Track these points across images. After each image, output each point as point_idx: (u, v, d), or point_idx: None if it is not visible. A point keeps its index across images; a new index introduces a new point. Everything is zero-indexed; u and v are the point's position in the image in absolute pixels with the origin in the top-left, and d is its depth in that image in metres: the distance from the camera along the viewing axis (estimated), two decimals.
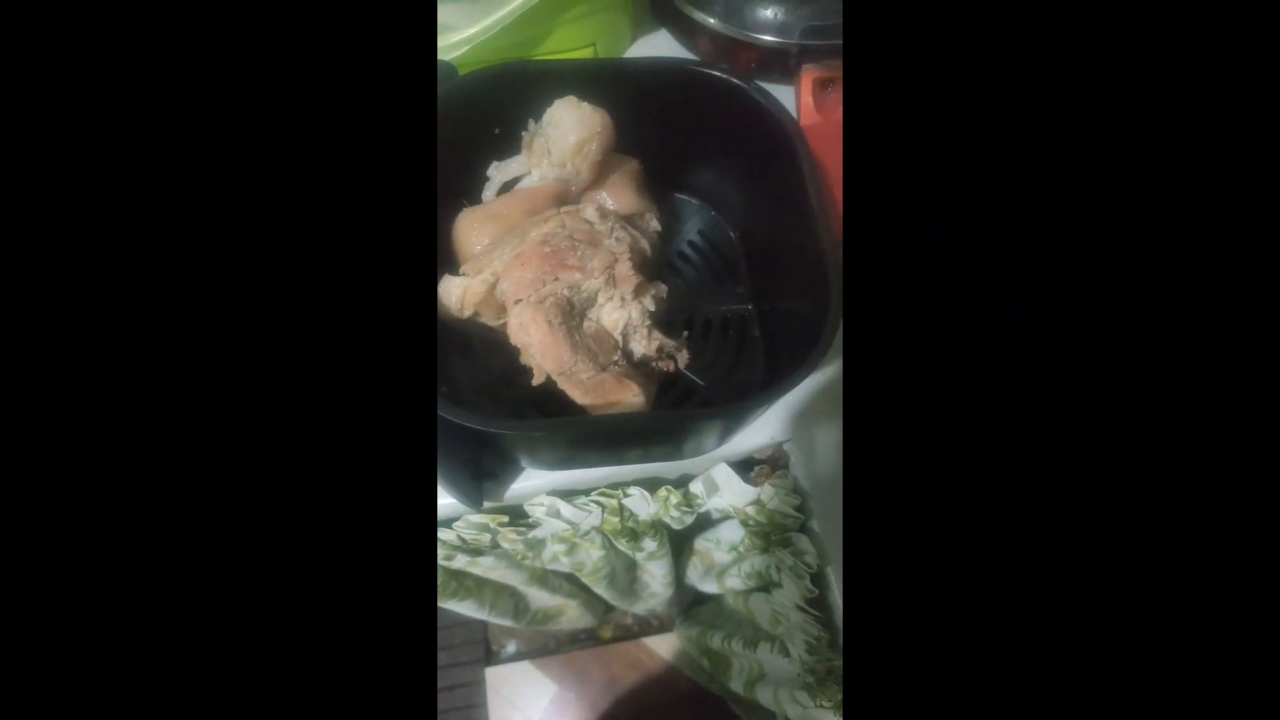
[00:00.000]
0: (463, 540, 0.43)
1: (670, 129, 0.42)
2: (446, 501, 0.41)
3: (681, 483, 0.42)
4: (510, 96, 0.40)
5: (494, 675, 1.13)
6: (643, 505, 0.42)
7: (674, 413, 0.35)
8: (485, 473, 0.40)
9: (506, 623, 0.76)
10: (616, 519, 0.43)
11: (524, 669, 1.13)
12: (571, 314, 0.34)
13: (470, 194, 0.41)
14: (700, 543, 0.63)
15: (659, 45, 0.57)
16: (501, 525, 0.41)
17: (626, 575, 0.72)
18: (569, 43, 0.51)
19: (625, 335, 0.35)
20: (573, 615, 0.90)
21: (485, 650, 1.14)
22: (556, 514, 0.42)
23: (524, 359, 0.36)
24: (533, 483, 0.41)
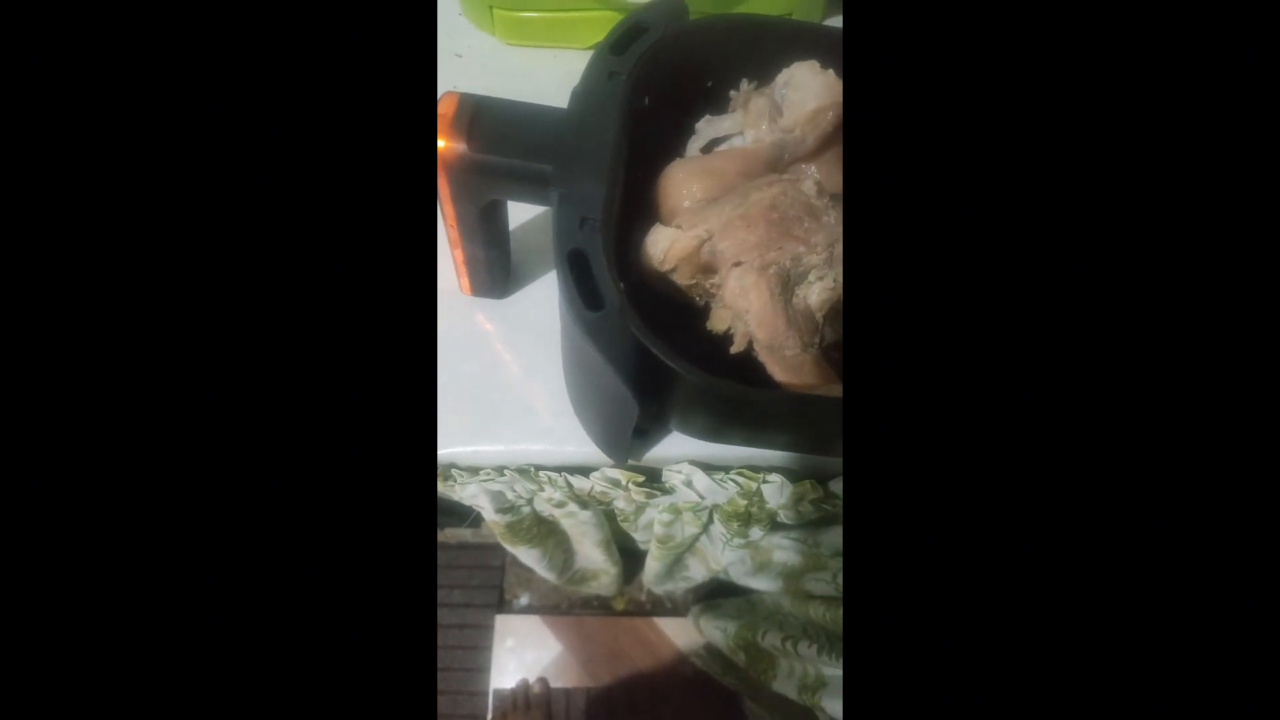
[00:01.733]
0: (591, 491, 0.42)
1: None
2: (588, 449, 0.40)
3: (822, 479, 0.41)
4: (735, 49, 0.38)
5: (503, 623, 1.14)
6: (776, 494, 0.41)
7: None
8: (637, 430, 0.39)
9: (551, 576, 0.77)
10: (745, 501, 0.42)
11: (533, 623, 1.14)
12: (786, 287, 0.33)
13: (677, 146, 0.40)
14: (767, 539, 0.63)
15: None
16: (635, 484, 0.41)
17: (680, 556, 0.71)
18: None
19: (826, 319, 0.34)
20: (604, 582, 0.90)
21: (499, 597, 1.16)
22: (690, 484, 0.41)
23: (713, 323, 0.35)
24: (672, 450, 0.41)
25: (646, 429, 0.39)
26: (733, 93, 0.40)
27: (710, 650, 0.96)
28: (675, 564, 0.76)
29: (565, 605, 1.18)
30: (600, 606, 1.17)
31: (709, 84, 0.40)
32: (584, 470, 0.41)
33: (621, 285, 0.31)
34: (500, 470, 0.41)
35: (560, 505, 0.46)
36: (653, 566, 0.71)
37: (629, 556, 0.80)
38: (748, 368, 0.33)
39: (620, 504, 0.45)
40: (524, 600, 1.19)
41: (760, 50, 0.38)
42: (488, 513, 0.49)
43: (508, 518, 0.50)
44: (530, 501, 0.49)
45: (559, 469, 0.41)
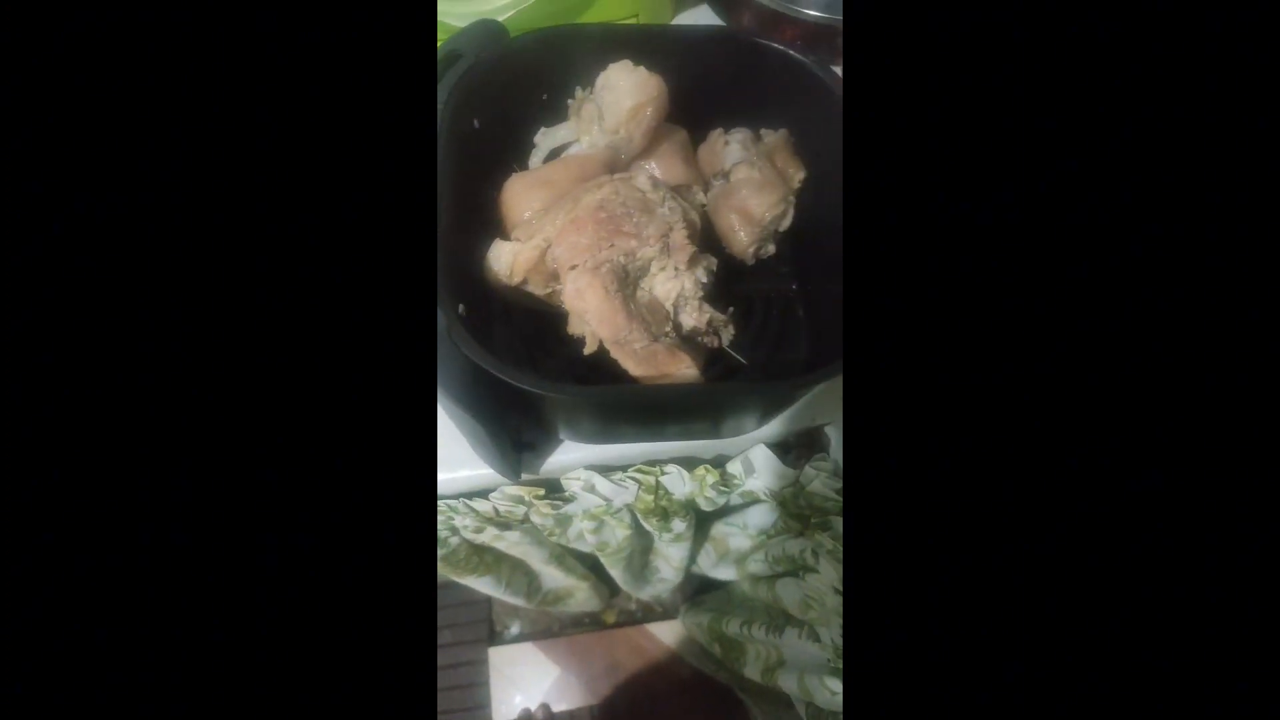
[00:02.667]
0: (496, 512, 0.42)
1: (718, 101, 0.41)
2: (483, 472, 0.40)
3: (719, 462, 0.42)
4: (560, 61, 0.39)
5: (497, 655, 1.13)
6: (679, 484, 0.42)
7: (729, 385, 0.34)
8: (524, 444, 0.39)
9: (519, 601, 0.76)
10: (651, 497, 0.42)
11: (527, 650, 1.13)
12: (626, 282, 0.33)
13: (516, 160, 0.40)
14: (719, 529, 0.63)
15: (699, 19, 0.56)
16: (537, 498, 0.41)
17: (641, 558, 0.71)
18: (612, 13, 0.50)
19: (676, 307, 0.35)
20: (581, 598, 0.90)
21: (489, 630, 1.14)
22: (592, 489, 0.41)
23: (572, 328, 0.35)
24: (568, 456, 0.41)
25: (532, 441, 0.39)
26: (570, 101, 0.41)
27: (699, 647, 0.96)
28: (644, 568, 0.76)
29: (556, 627, 1.17)
30: (591, 623, 1.17)
31: (544, 96, 0.41)
32: (483, 493, 0.41)
33: (460, 306, 0.31)
34: None
35: (480, 530, 0.47)
36: (617, 574, 0.71)
37: (601, 570, 0.80)
38: (617, 368, 0.34)
39: (536, 519, 0.45)
40: (514, 629, 1.18)
41: (585, 58, 0.39)
42: None
43: (439, 551, 0.50)
44: (455, 531, 0.49)
45: (456, 496, 0.41)
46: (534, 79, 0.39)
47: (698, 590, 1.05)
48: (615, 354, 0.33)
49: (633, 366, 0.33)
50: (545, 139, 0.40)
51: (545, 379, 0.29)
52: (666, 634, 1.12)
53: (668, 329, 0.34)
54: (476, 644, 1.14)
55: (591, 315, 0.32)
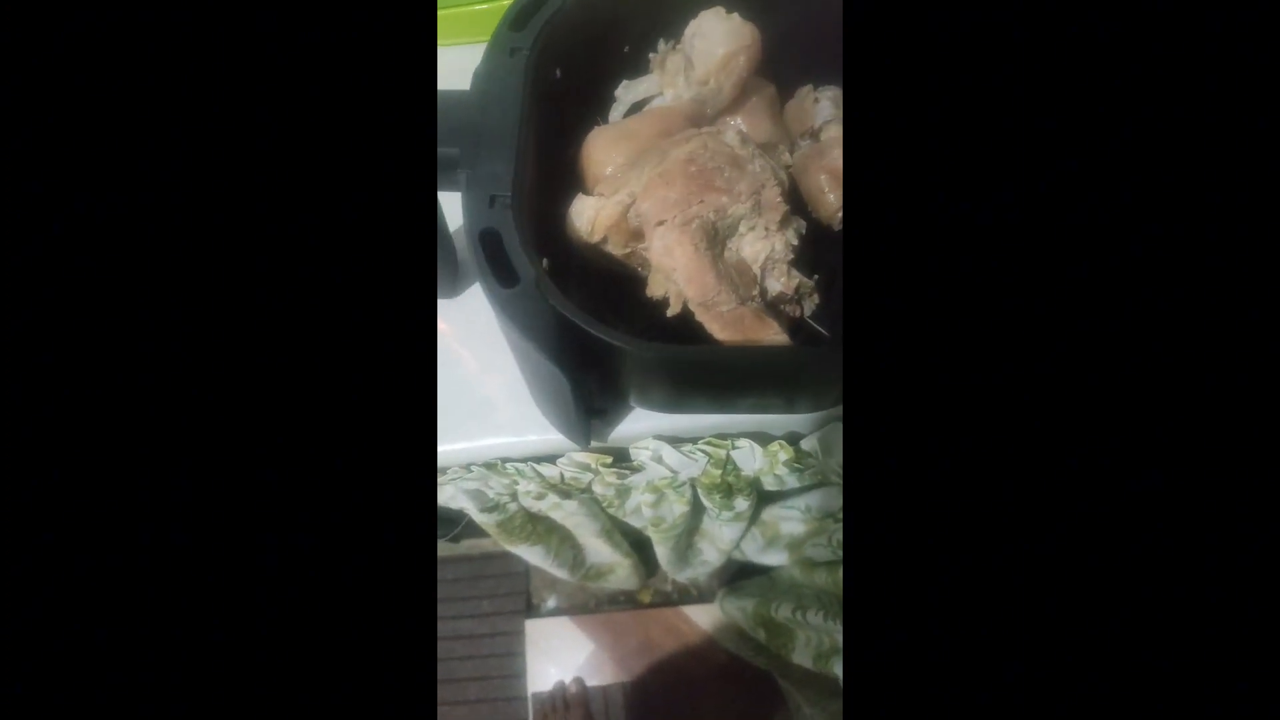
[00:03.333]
0: (562, 478, 0.41)
1: (809, 57, 0.39)
2: (549, 438, 0.40)
3: (792, 439, 0.40)
4: (644, 11, 0.37)
5: (533, 628, 1.15)
6: (750, 459, 0.40)
7: (824, 350, 0.32)
8: (595, 410, 0.38)
9: (562, 573, 0.76)
10: (719, 471, 0.41)
11: (563, 624, 1.14)
12: (715, 240, 0.31)
13: (598, 114, 0.39)
14: (771, 513, 0.61)
15: None
16: (604, 466, 0.40)
17: (688, 538, 0.70)
18: None
19: (764, 270, 0.33)
20: (621, 575, 0.90)
21: (526, 602, 1.16)
22: (660, 459, 0.40)
23: (652, 290, 0.34)
24: (637, 426, 0.40)
25: (603, 408, 0.38)
26: (651, 55, 0.39)
27: (738, 632, 0.95)
28: (687, 549, 0.75)
29: (593, 604, 1.18)
30: (627, 601, 1.17)
31: (625, 49, 0.39)
32: (550, 458, 0.40)
33: (544, 261, 0.30)
34: (467, 467, 0.40)
35: (541, 497, 0.46)
36: (662, 553, 0.70)
37: (644, 549, 0.79)
38: (697, 332, 0.32)
39: (598, 489, 0.44)
40: (551, 603, 1.20)
41: (670, 8, 0.37)
42: (474, 514, 0.49)
43: (495, 516, 0.50)
44: (514, 497, 0.49)
45: (524, 459, 0.41)
46: (618, 28, 0.38)
47: (735, 576, 1.04)
48: (701, 316, 0.31)
49: (718, 330, 0.31)
50: (627, 92, 0.38)
51: (631, 335, 0.27)
52: (702, 617, 1.11)
53: (755, 293, 0.32)
54: (514, 615, 1.16)
55: (679, 273, 0.30)
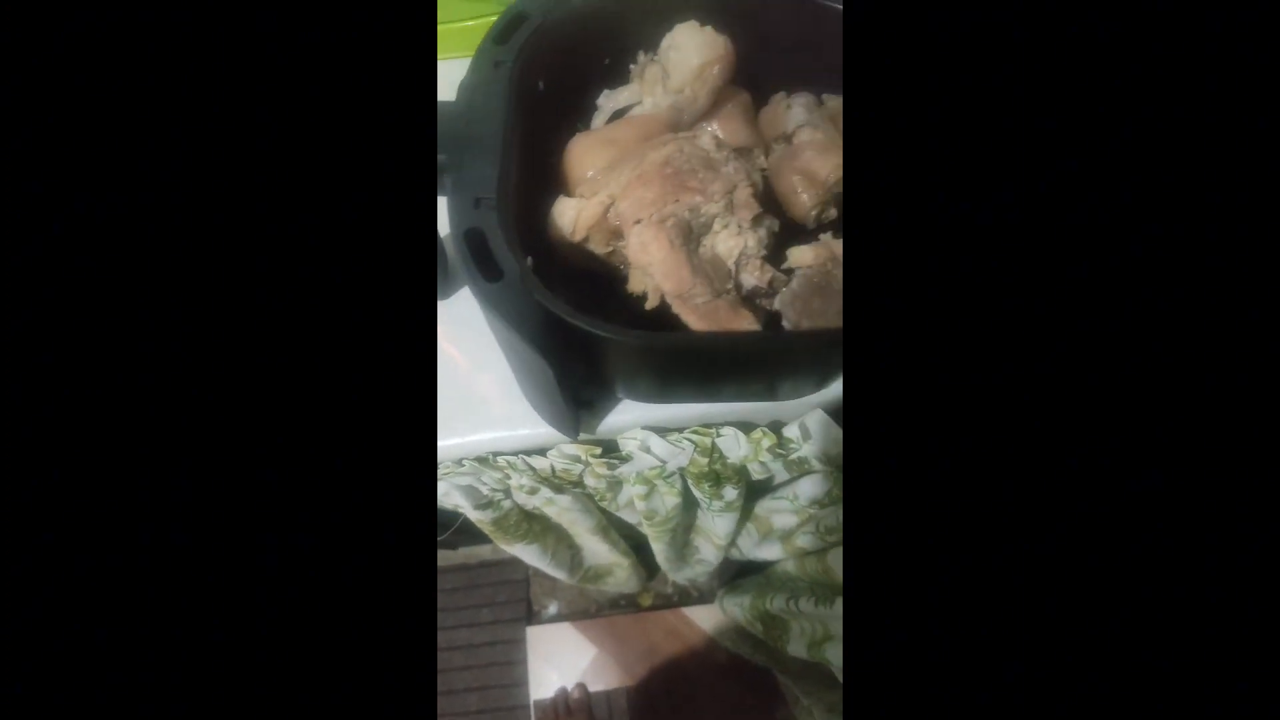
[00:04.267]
0: (553, 471, 0.43)
1: (781, 65, 0.41)
2: (541, 431, 0.41)
3: (775, 427, 0.42)
4: (624, 24, 0.40)
5: (535, 634, 1.15)
6: (734, 447, 0.42)
7: (790, 333, 0.34)
8: (583, 402, 0.40)
9: (561, 574, 0.77)
10: (705, 459, 0.43)
11: (564, 630, 1.14)
12: (690, 237, 0.33)
13: (580, 122, 0.41)
14: (764, 506, 0.63)
15: None
16: (594, 457, 0.41)
17: (684, 535, 0.72)
18: None
19: (738, 265, 0.35)
20: (621, 577, 0.91)
21: (527, 609, 1.16)
22: (647, 449, 0.42)
23: (633, 286, 0.36)
24: (625, 417, 0.41)
25: (591, 399, 0.40)
26: (631, 66, 0.41)
27: (738, 631, 0.96)
28: (684, 546, 0.76)
29: (593, 609, 1.18)
30: (628, 605, 1.18)
31: (606, 61, 0.41)
32: (541, 450, 0.42)
33: (529, 259, 0.32)
34: (459, 462, 0.42)
35: (534, 492, 0.47)
36: (659, 550, 0.72)
37: (643, 550, 0.80)
38: (676, 326, 0.34)
39: (590, 481, 0.46)
40: (552, 609, 1.20)
41: (649, 21, 0.39)
42: (469, 511, 0.50)
43: (490, 513, 0.51)
44: (508, 493, 0.50)
45: (515, 452, 0.42)
46: (598, 41, 0.40)
47: (734, 575, 1.05)
48: (677, 309, 0.33)
49: (694, 321, 0.33)
50: (608, 101, 0.40)
51: (612, 324, 0.29)
52: (703, 618, 1.12)
53: (729, 287, 0.34)
54: (515, 623, 1.17)
55: (656, 268, 0.32)
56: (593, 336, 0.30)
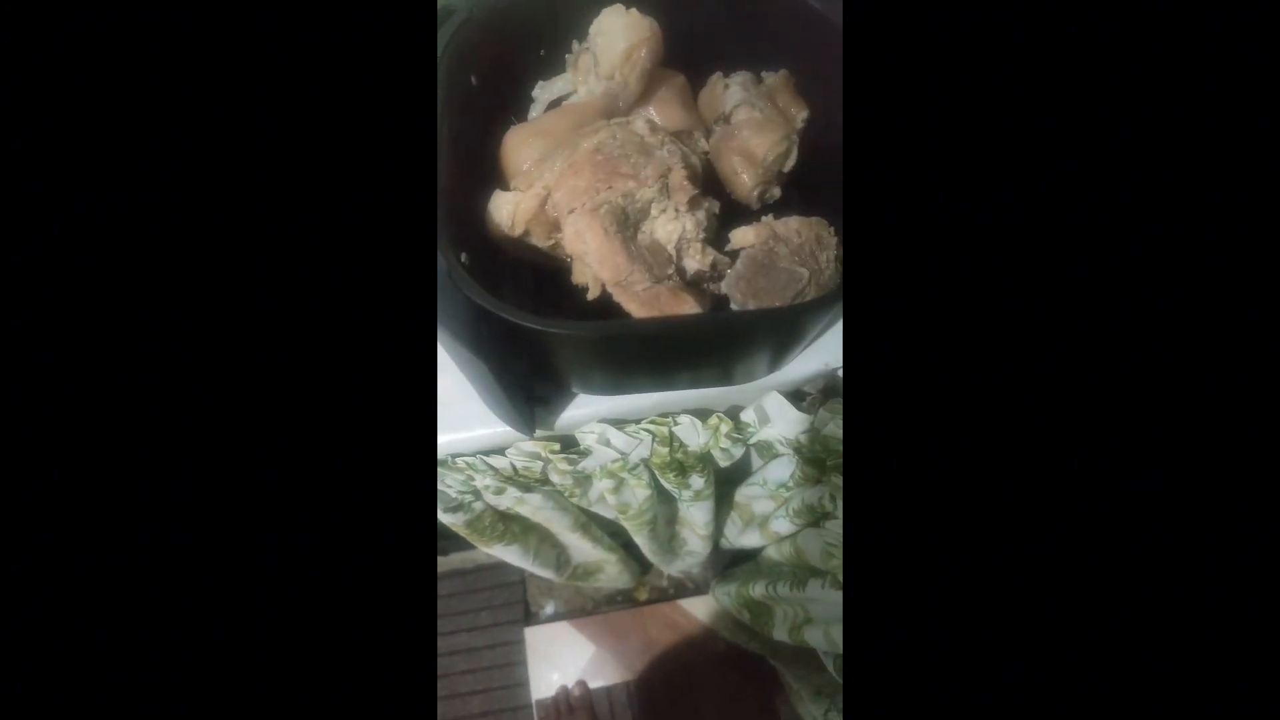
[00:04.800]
0: (514, 470, 0.43)
1: (716, 46, 0.41)
2: (499, 430, 0.41)
3: (732, 413, 0.42)
4: (555, 15, 0.39)
5: (533, 635, 1.15)
6: (693, 435, 0.42)
7: (731, 313, 0.34)
8: (537, 398, 0.40)
9: (548, 574, 0.77)
10: (666, 449, 0.42)
11: (562, 629, 1.14)
12: (626, 224, 0.33)
13: (516, 115, 0.41)
14: (742, 493, 0.63)
15: None
16: (553, 453, 0.41)
17: (667, 528, 0.71)
18: None
19: (679, 249, 0.34)
20: (611, 573, 0.90)
21: (525, 610, 1.16)
22: (606, 442, 0.41)
23: (576, 277, 0.35)
24: (582, 411, 0.41)
25: (544, 395, 0.40)
26: (567, 55, 0.41)
27: (732, 619, 0.96)
28: (670, 539, 0.76)
29: (590, 606, 1.18)
30: (624, 600, 1.18)
31: (541, 52, 0.41)
32: (500, 450, 0.42)
33: (464, 255, 0.32)
34: None
35: (500, 492, 0.47)
36: (643, 543, 0.71)
37: (632, 547, 0.80)
38: (624, 316, 0.34)
39: (555, 478, 0.46)
40: (549, 609, 1.20)
41: (580, 9, 0.39)
42: (440, 515, 0.50)
43: (462, 516, 0.51)
44: (477, 495, 0.50)
45: (474, 453, 0.42)
46: (530, 33, 0.40)
47: (728, 564, 1.05)
48: (618, 297, 0.33)
49: (636, 309, 0.33)
50: (543, 92, 0.40)
51: (546, 317, 0.29)
52: (699, 609, 1.12)
53: (670, 272, 0.34)
54: (513, 624, 1.17)
55: (592, 257, 0.32)
56: (533, 331, 0.29)
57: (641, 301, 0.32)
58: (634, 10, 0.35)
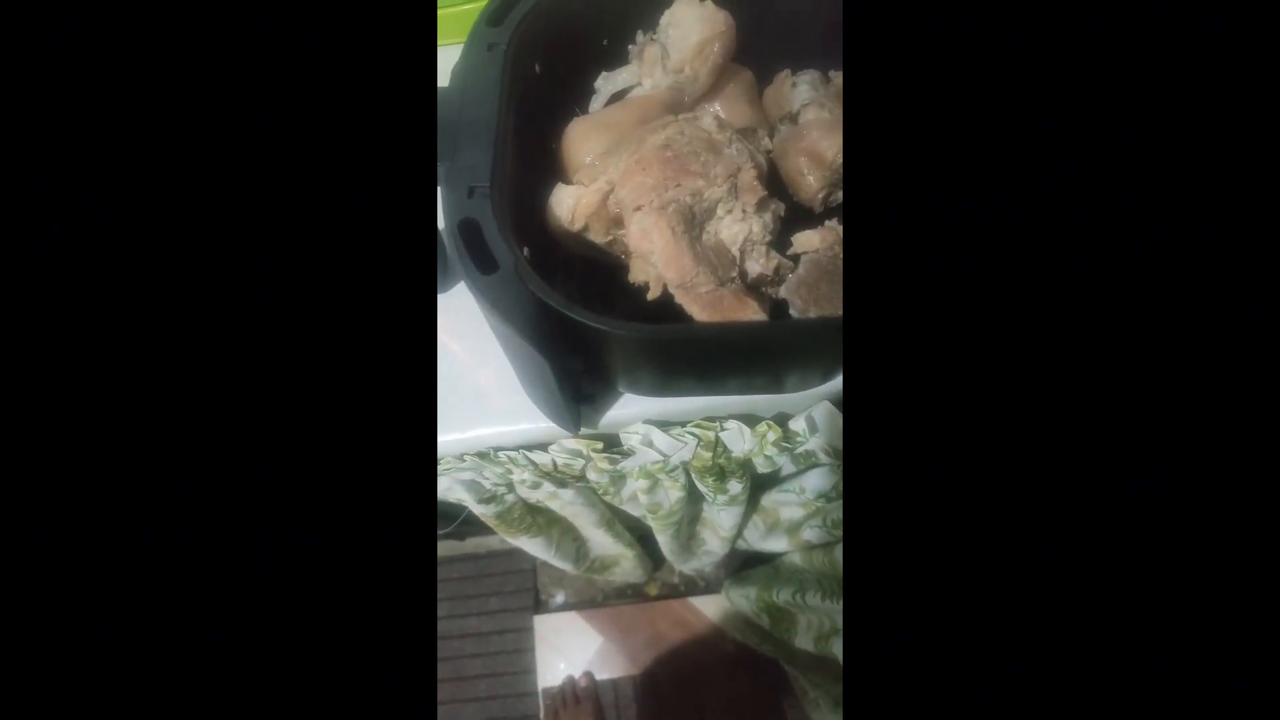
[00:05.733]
0: (555, 466, 0.42)
1: (785, 42, 0.40)
2: (542, 426, 0.40)
3: (780, 420, 0.41)
4: (621, 4, 0.38)
5: (542, 623, 1.16)
6: (739, 441, 0.41)
7: (796, 322, 0.33)
8: (584, 396, 0.39)
9: (566, 566, 0.77)
10: (709, 454, 0.42)
11: (571, 619, 1.15)
12: (692, 224, 0.32)
13: (578, 106, 0.40)
14: (770, 498, 0.62)
15: None
16: (595, 451, 0.41)
17: (689, 528, 0.71)
18: None
19: (743, 251, 0.33)
20: (626, 568, 0.90)
21: (534, 598, 1.17)
22: (650, 444, 0.41)
23: (634, 276, 0.34)
24: (627, 411, 0.40)
25: (592, 393, 0.39)
26: (630, 46, 0.40)
27: (744, 621, 0.96)
28: (690, 538, 0.75)
29: (600, 598, 1.19)
30: (634, 594, 1.18)
31: (604, 42, 0.40)
32: (542, 445, 0.41)
33: (525, 250, 0.31)
34: (460, 457, 0.41)
35: (536, 486, 0.47)
36: (664, 542, 0.71)
37: (648, 541, 0.80)
38: (680, 317, 0.33)
39: (592, 476, 0.45)
40: (559, 598, 1.21)
41: (648, 1, 0.38)
42: (472, 505, 0.50)
43: (493, 508, 0.51)
44: (510, 488, 0.50)
45: (516, 447, 0.41)
46: (595, 22, 0.38)
47: (741, 565, 1.05)
48: (680, 298, 0.32)
49: (698, 311, 0.32)
50: (606, 84, 0.39)
51: (610, 317, 0.28)
52: (709, 608, 1.12)
53: (733, 274, 0.33)
54: (522, 612, 1.17)
55: (657, 256, 0.31)
56: (591, 330, 0.29)
57: (705, 305, 0.32)
58: (709, 2, 0.34)
